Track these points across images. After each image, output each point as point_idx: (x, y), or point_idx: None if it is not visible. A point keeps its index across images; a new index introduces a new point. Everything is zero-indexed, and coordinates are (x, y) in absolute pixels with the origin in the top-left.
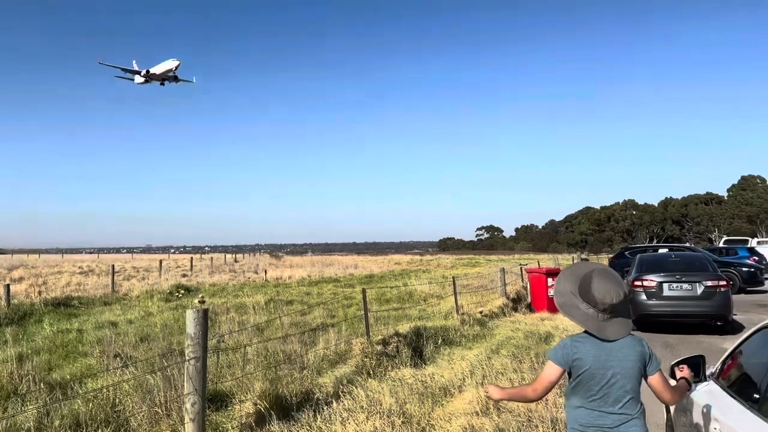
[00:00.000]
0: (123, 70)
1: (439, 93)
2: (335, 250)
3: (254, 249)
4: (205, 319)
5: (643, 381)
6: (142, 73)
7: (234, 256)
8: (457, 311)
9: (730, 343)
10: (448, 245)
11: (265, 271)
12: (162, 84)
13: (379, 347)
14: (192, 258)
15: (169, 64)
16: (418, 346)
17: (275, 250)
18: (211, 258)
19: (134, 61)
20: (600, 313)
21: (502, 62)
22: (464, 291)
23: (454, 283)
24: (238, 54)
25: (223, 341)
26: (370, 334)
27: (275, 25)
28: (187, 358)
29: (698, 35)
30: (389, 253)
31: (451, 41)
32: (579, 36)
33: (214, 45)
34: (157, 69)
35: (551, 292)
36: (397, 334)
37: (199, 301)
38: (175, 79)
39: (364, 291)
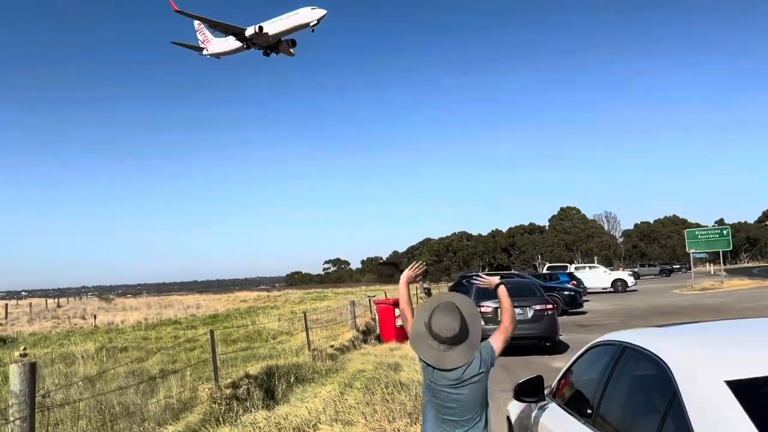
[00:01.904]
0: (212, 24)
1: (285, 129)
2: (174, 290)
3: (80, 292)
4: (32, 374)
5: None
6: (248, 32)
7: (57, 300)
8: (309, 347)
9: (558, 362)
10: (296, 280)
11: (94, 316)
12: (267, 54)
13: (228, 391)
14: (6, 305)
15: (307, 16)
16: (271, 387)
17: (105, 293)
18: (30, 304)
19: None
20: (440, 344)
21: (338, 98)
22: (315, 326)
23: (305, 319)
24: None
25: (48, 396)
26: (219, 377)
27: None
28: (11, 419)
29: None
30: (234, 290)
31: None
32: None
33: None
34: (278, 25)
35: (398, 321)
36: (247, 375)
37: (20, 354)
38: (292, 44)
39: (211, 332)
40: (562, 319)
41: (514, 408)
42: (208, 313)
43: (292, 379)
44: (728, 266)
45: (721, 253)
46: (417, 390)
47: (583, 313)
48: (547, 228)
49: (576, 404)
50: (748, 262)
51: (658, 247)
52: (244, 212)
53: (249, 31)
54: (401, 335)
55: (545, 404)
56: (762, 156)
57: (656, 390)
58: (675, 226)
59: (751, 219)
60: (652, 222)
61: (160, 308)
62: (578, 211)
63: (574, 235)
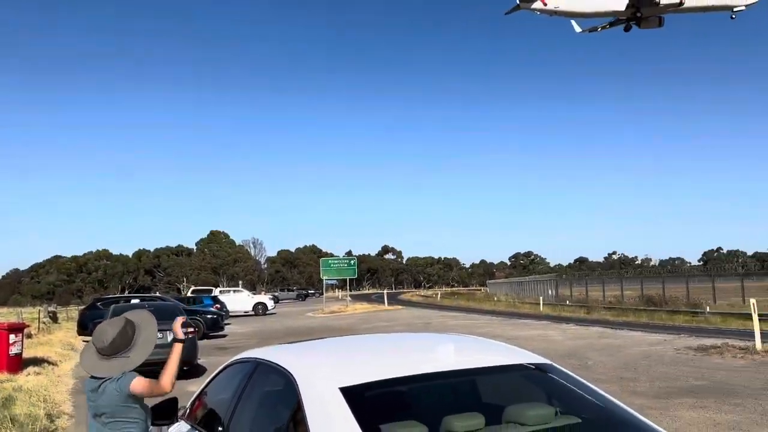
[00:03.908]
0: None
1: None
2: None
3: None
4: None
5: None
6: None
7: None
8: None
9: (194, 386)
10: None
11: None
12: (628, 27)
13: None
14: None
15: None
16: None
17: None
18: None
19: None
20: (97, 352)
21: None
22: None
23: None
24: None
25: None
26: None
27: None
28: None
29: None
30: None
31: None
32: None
33: None
34: None
35: (13, 350)
36: None
37: None
38: (661, 22)
39: None
40: (203, 343)
41: None
42: None
43: None
44: (353, 292)
45: (348, 280)
46: (32, 427)
47: (224, 336)
48: (195, 251)
49: (207, 423)
50: (369, 289)
51: (298, 273)
52: None
53: None
54: (14, 366)
55: (178, 425)
56: (382, 201)
57: (284, 401)
58: (313, 254)
59: (373, 252)
60: (293, 250)
61: None
62: (227, 236)
63: (222, 259)
